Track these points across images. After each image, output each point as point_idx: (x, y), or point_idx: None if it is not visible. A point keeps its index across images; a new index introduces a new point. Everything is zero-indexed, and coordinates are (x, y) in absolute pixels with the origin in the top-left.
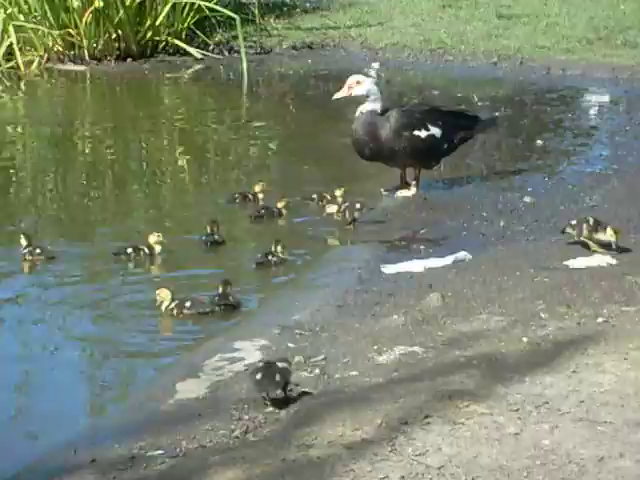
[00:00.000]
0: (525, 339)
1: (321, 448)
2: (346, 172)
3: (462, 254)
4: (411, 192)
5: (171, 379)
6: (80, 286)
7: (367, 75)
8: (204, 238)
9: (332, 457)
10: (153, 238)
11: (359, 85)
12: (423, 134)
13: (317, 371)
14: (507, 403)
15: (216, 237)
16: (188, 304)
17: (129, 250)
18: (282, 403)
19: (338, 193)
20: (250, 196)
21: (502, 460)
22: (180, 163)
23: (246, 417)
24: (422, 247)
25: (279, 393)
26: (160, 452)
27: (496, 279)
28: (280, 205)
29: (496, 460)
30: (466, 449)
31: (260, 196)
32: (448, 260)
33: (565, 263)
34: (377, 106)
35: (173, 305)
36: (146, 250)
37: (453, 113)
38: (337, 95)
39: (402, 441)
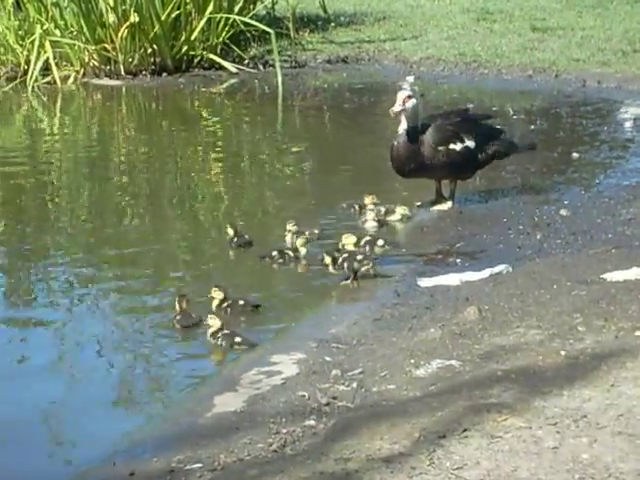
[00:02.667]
0: (563, 352)
1: (359, 462)
2: (382, 184)
3: (499, 267)
4: (447, 205)
5: (209, 392)
6: (117, 300)
7: (403, 88)
8: (235, 241)
9: (370, 471)
10: (300, 241)
11: (410, 100)
12: (458, 147)
13: (354, 384)
14: (545, 417)
15: (246, 237)
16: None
17: (274, 253)
18: None
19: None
20: (356, 207)
21: (541, 474)
22: (215, 178)
23: (284, 430)
24: (458, 260)
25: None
26: (199, 465)
27: (533, 292)
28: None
29: (535, 474)
30: (505, 463)
31: (370, 208)
32: (485, 273)
33: (602, 276)
34: (417, 124)
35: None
36: (291, 254)
37: (484, 125)
38: (394, 109)
39: (440, 455)
